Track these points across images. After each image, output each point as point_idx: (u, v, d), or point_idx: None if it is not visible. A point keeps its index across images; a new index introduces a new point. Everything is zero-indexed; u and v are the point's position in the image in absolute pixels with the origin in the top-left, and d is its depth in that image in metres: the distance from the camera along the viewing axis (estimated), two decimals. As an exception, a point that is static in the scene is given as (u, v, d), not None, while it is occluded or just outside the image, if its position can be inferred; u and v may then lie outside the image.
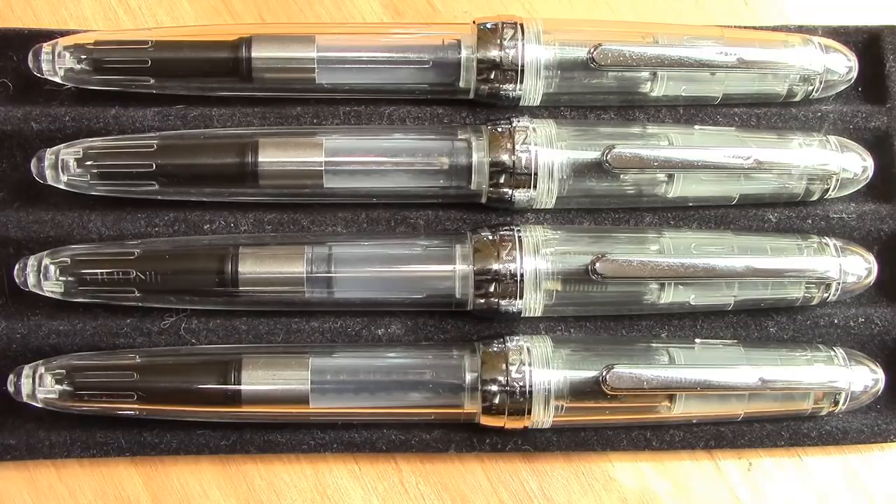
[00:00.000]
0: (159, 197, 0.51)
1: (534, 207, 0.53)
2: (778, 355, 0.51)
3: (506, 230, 0.51)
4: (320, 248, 0.50)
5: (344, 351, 0.51)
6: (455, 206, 0.53)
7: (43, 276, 0.49)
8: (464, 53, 0.52)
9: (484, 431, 0.50)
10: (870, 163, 0.53)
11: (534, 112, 0.54)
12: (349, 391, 0.49)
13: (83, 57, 0.51)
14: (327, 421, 0.50)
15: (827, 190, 0.53)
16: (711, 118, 0.55)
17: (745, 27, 0.57)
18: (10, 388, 0.48)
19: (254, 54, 0.51)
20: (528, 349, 0.49)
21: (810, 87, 0.54)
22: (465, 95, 0.54)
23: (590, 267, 0.49)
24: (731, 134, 0.53)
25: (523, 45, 0.52)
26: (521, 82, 0.52)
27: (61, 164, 0.50)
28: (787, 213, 0.54)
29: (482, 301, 0.50)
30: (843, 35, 0.57)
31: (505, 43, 0.52)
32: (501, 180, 0.51)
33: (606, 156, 0.50)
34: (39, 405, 0.48)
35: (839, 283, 0.51)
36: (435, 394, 0.49)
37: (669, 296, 0.51)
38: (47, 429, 0.50)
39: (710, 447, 0.52)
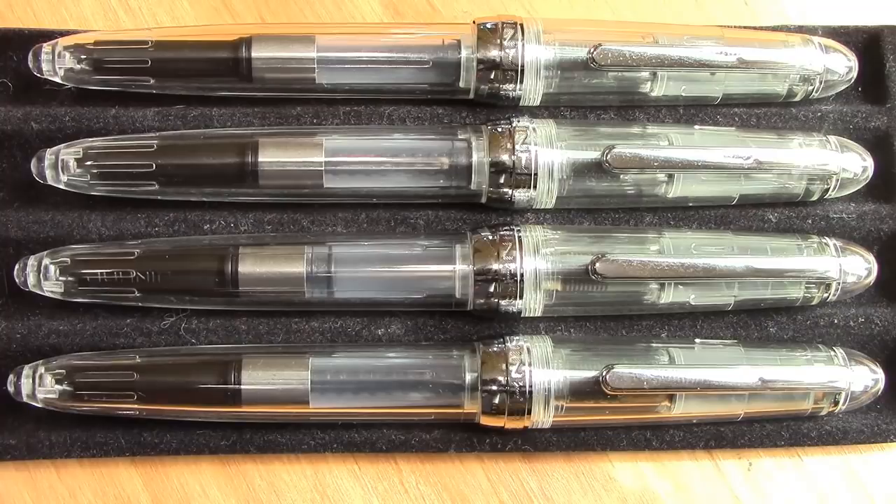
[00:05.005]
0: (159, 197, 0.51)
1: (534, 207, 0.53)
2: (778, 355, 0.51)
3: (506, 230, 0.51)
4: (320, 248, 0.50)
5: (344, 351, 0.50)
6: (455, 206, 0.53)
7: (43, 276, 0.49)
8: (464, 53, 0.52)
9: (484, 431, 0.50)
10: (870, 163, 0.53)
11: (534, 112, 0.54)
12: (349, 391, 0.49)
13: (83, 57, 0.51)
14: (327, 421, 0.50)
15: (827, 190, 0.53)
16: (711, 118, 0.55)
17: (745, 27, 0.57)
18: (10, 388, 0.48)
19: (254, 54, 0.51)
20: (528, 349, 0.49)
21: (810, 87, 0.54)
22: (465, 95, 0.54)
23: (590, 267, 0.49)
24: (731, 134, 0.53)
25: (523, 45, 0.52)
26: (521, 82, 0.52)
27: (61, 164, 0.50)
28: (787, 213, 0.54)
29: (482, 301, 0.50)
30: (843, 35, 0.57)
31: (505, 43, 0.52)
32: (501, 180, 0.51)
33: (606, 156, 0.50)
34: (39, 405, 0.48)
35: (839, 283, 0.51)
36: (435, 394, 0.49)
37: (669, 296, 0.51)
38: (47, 429, 0.50)
39: (710, 447, 0.52)
